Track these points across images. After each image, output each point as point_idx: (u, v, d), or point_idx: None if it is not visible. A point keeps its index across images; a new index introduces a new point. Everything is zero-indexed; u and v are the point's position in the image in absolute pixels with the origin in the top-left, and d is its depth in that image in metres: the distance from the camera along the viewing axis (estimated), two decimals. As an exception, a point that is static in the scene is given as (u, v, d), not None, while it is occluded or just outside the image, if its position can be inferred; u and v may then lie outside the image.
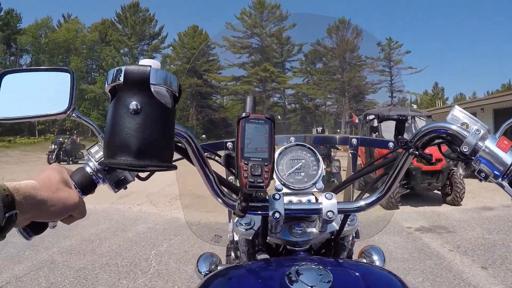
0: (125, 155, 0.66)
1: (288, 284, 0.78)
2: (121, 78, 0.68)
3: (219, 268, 1.42)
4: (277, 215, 0.97)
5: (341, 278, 0.86)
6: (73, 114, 0.94)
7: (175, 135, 0.91)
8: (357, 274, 0.92)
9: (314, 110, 51.08)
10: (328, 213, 1.00)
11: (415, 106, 45.97)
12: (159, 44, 61.47)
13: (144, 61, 0.72)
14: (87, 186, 0.92)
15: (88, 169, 0.93)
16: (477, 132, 0.88)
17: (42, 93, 0.97)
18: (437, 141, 0.99)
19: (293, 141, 1.32)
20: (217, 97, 61.33)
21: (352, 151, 1.50)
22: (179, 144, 0.99)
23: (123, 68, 0.68)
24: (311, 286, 0.77)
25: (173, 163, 0.75)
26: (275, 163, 1.13)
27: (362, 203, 1.10)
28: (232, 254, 1.44)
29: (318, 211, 1.03)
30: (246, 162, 0.88)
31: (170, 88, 0.73)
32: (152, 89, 0.68)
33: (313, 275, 0.81)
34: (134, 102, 0.66)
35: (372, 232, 1.58)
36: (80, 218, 0.85)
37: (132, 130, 0.66)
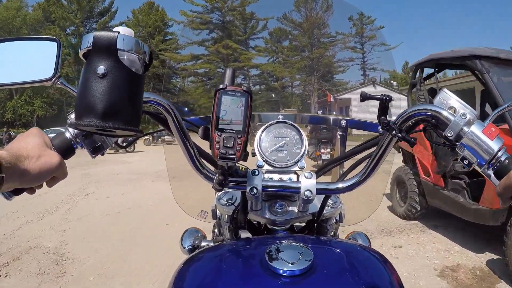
0: (91, 116, 0.69)
1: (268, 261, 0.77)
2: (91, 43, 0.71)
3: (202, 244, 1.44)
4: (254, 190, 0.97)
5: (322, 255, 0.86)
6: (58, 82, 0.93)
7: (155, 105, 0.95)
8: (338, 251, 0.94)
9: (280, 91, 48.82)
10: (306, 192, 0.99)
11: (394, 84, 42.72)
12: (108, 21, 56.07)
13: (116, 28, 0.74)
14: (65, 150, 0.91)
15: (67, 134, 0.93)
16: (463, 117, 0.85)
17: (30, 61, 0.98)
18: (423, 125, 0.97)
19: (280, 118, 1.26)
20: (176, 79, 57.27)
21: (340, 133, 1.50)
22: (160, 115, 1.00)
23: (93, 33, 0.71)
24: (292, 263, 0.76)
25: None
26: (259, 140, 1.16)
27: (341, 185, 1.07)
28: (216, 230, 1.48)
29: (296, 190, 1.01)
30: (219, 134, 0.88)
31: (139, 54, 0.76)
32: (119, 55, 0.72)
33: (294, 252, 0.80)
34: (101, 66, 0.70)
35: (359, 218, 1.59)
36: (63, 179, 0.87)
37: (98, 93, 0.69)
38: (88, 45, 0.72)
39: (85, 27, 55.00)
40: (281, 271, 0.75)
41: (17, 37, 1.02)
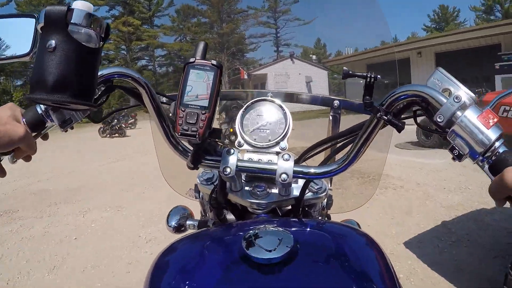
0: (40, 89, 0.71)
1: (245, 249, 0.74)
2: (43, 19, 0.72)
3: (188, 222, 1.40)
4: (227, 170, 0.94)
5: (303, 240, 0.85)
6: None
7: (129, 80, 0.95)
8: (321, 233, 0.95)
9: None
10: (282, 175, 0.94)
11: (314, 57, 40.79)
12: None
13: (75, 2, 0.75)
14: (36, 124, 0.93)
15: (38, 109, 0.93)
16: (456, 100, 0.77)
17: (8, 38, 1.01)
18: (413, 108, 0.90)
19: (270, 96, 1.19)
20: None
21: (333, 114, 1.42)
22: (135, 90, 1.00)
23: (45, 9, 0.72)
24: (270, 251, 0.73)
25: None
26: (241, 118, 1.13)
27: (320, 170, 1.00)
28: (201, 209, 1.47)
29: (272, 172, 0.96)
30: (183, 109, 0.87)
31: (93, 29, 0.76)
32: (71, 29, 0.73)
33: (273, 238, 0.77)
34: (51, 41, 0.71)
35: (352, 206, 1.56)
36: (30, 152, 0.90)
37: (48, 66, 0.71)
38: (42, 20, 0.72)
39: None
40: (259, 259, 0.72)
41: None
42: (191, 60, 0.88)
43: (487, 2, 51.32)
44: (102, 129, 20.93)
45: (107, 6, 45.50)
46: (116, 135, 20.61)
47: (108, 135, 20.67)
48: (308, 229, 0.97)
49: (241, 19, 43.13)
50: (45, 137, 0.97)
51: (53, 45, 0.70)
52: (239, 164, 0.96)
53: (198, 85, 0.86)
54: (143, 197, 6.61)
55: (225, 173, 0.94)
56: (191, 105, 0.86)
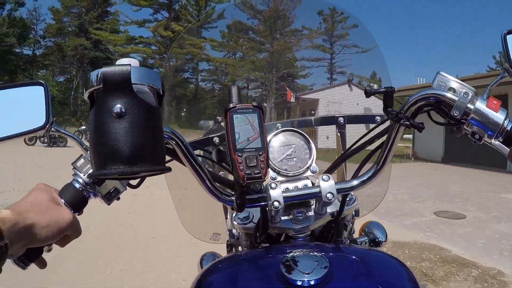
0: (116, 163, 0.64)
1: (285, 272, 0.77)
2: (100, 82, 0.65)
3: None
4: (276, 204, 0.94)
5: (338, 263, 0.87)
6: (52, 128, 0.92)
7: (166, 139, 0.89)
8: (355, 258, 0.95)
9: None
10: (327, 195, 0.98)
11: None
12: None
13: (121, 61, 0.70)
14: (78, 202, 0.87)
15: (76, 185, 0.89)
16: (465, 95, 0.89)
17: (17, 110, 0.94)
18: (426, 109, 0.97)
19: (280, 127, 1.26)
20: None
21: (339, 130, 1.47)
22: (168, 146, 0.90)
23: (100, 70, 0.65)
24: (307, 274, 0.76)
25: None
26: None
27: (359, 180, 1.05)
28: (234, 250, 1.44)
29: (317, 195, 1.00)
30: (240, 154, 0.85)
31: (153, 86, 0.70)
32: (134, 89, 0.66)
33: (310, 261, 0.81)
34: (117, 105, 0.64)
35: (369, 207, 1.62)
36: (76, 237, 0.82)
37: (119, 135, 0.64)
38: (97, 84, 0.65)
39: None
40: (298, 282, 0.75)
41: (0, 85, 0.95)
42: (231, 106, 0.86)
43: None
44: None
45: (151, 8, 42.37)
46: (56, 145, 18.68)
47: (46, 144, 18.75)
48: (341, 252, 1.01)
49: (294, 39, 39.15)
50: (81, 213, 0.87)
51: (121, 110, 0.63)
52: (284, 195, 0.96)
53: (245, 129, 0.85)
54: None
55: (275, 207, 0.93)
56: (246, 149, 0.84)
